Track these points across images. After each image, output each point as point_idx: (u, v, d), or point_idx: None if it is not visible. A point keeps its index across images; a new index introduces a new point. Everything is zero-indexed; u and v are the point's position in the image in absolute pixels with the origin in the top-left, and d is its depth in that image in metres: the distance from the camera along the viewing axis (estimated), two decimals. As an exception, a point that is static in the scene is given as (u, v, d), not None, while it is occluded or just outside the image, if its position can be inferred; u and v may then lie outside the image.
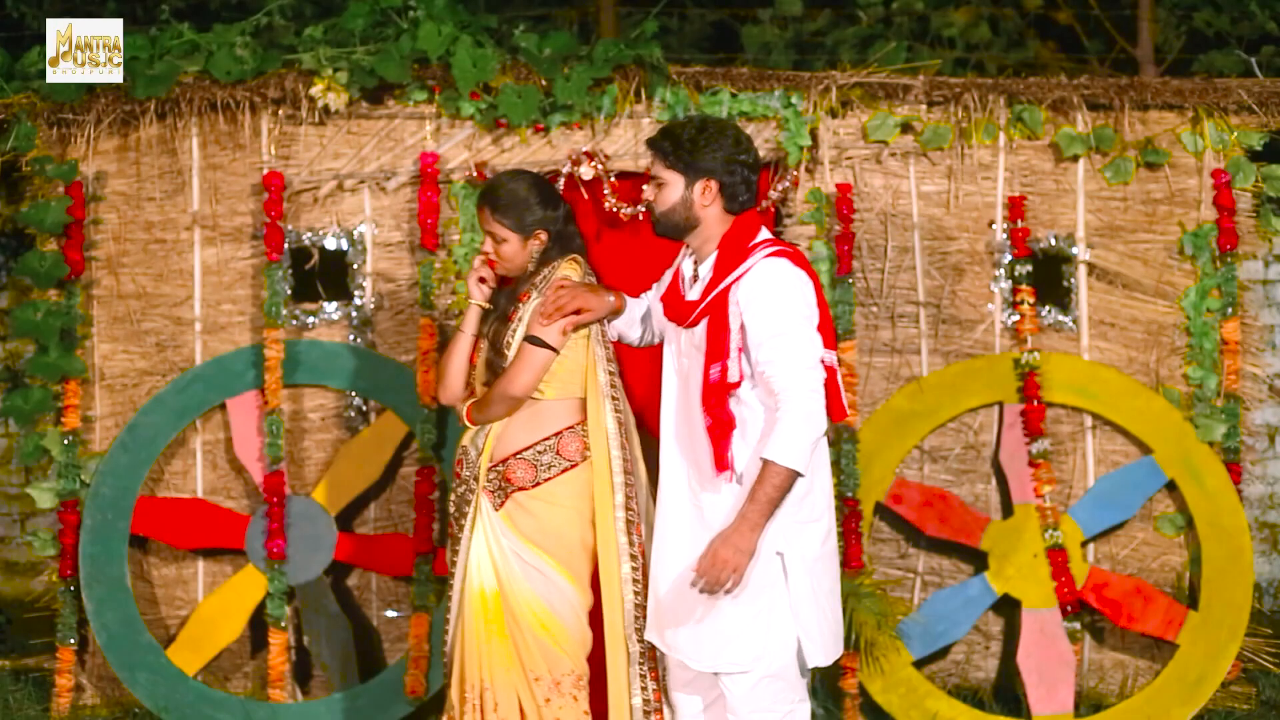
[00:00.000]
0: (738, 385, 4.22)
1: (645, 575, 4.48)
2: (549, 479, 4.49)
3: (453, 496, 4.61)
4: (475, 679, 4.47)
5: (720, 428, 4.21)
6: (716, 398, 4.21)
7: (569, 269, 4.54)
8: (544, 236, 4.56)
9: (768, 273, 4.22)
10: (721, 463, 4.22)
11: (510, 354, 4.49)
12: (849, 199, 5.79)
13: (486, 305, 4.61)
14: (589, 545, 4.52)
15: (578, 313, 4.47)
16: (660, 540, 4.39)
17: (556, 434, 4.51)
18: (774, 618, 4.22)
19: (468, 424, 4.58)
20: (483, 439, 4.54)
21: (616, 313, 4.57)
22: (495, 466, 4.51)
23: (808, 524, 4.24)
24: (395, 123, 5.82)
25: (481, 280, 4.61)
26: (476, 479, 4.52)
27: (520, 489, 4.48)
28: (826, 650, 4.29)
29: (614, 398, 4.52)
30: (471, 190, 5.71)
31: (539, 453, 4.49)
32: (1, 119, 5.73)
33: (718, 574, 4.13)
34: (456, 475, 4.60)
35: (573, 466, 4.50)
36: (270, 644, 5.69)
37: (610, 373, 4.54)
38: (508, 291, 4.61)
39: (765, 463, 4.11)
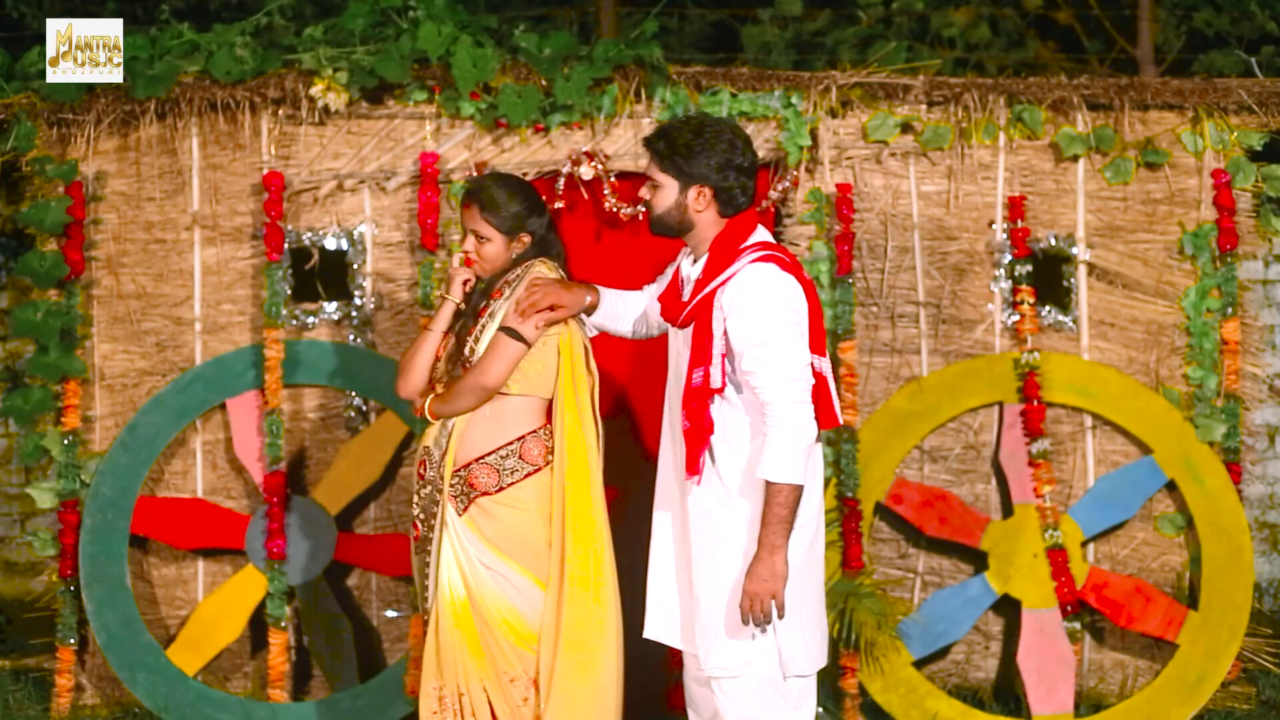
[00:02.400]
0: (720, 391, 4.19)
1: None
2: (513, 483, 4.48)
3: (416, 499, 4.59)
4: (453, 684, 4.48)
5: (697, 432, 4.19)
6: (697, 402, 4.19)
7: (542, 268, 4.53)
8: (527, 240, 4.57)
9: (753, 279, 4.18)
10: (693, 467, 4.20)
11: (479, 348, 4.48)
12: (849, 199, 5.79)
13: (461, 304, 4.60)
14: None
15: (551, 309, 4.44)
16: (654, 538, 4.39)
17: (519, 438, 4.50)
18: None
19: (428, 419, 4.56)
20: (445, 441, 4.51)
21: (591, 308, 4.55)
22: (458, 471, 4.49)
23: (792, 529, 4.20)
24: (395, 123, 5.82)
25: (465, 281, 4.60)
26: (440, 482, 4.51)
27: (484, 494, 4.47)
28: (810, 658, 4.25)
29: (594, 405, 4.55)
30: (471, 190, 5.71)
31: (502, 457, 4.48)
32: (1, 119, 5.73)
33: (758, 609, 4.12)
34: (420, 477, 4.57)
35: (535, 471, 4.50)
36: (270, 644, 5.69)
37: (591, 375, 4.56)
38: (480, 290, 4.60)
39: (766, 484, 4.11)
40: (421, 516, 4.57)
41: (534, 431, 4.52)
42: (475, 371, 4.46)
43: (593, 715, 4.44)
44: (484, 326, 4.50)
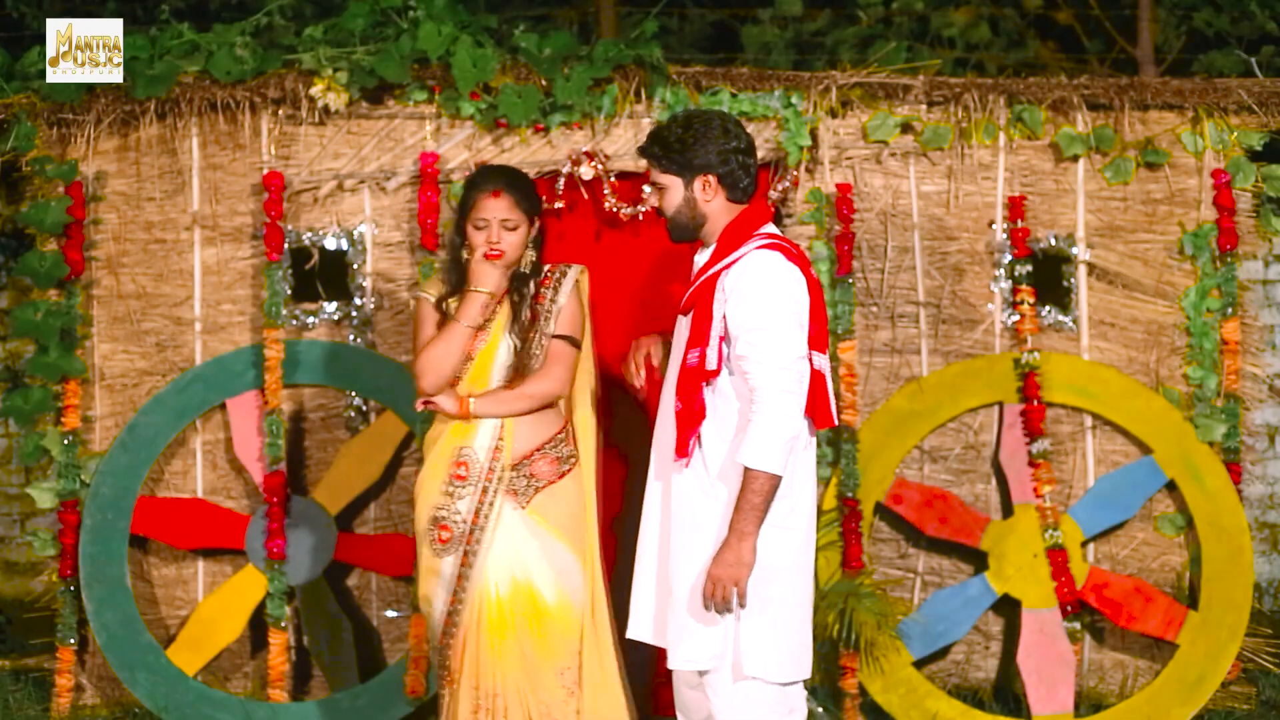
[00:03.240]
0: (715, 374, 4.18)
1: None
2: (569, 469, 4.59)
3: (444, 500, 4.56)
4: (489, 685, 4.48)
5: (688, 414, 4.18)
6: (691, 383, 4.18)
7: (579, 273, 4.69)
8: (537, 224, 4.65)
9: (756, 264, 4.18)
10: (682, 449, 4.19)
11: (539, 355, 4.58)
12: (849, 199, 5.79)
13: (490, 294, 4.59)
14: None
15: (649, 355, 4.59)
16: (641, 533, 4.37)
17: (563, 427, 4.62)
18: (731, 620, 4.16)
19: (459, 417, 4.55)
20: (493, 440, 4.53)
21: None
22: (517, 466, 4.54)
23: (775, 529, 4.17)
24: (395, 123, 5.82)
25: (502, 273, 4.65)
26: (495, 482, 4.52)
27: (549, 483, 4.56)
28: (781, 665, 4.18)
29: (594, 399, 4.72)
30: (471, 190, 5.71)
31: (555, 445, 4.59)
32: (1, 119, 5.73)
33: (720, 594, 4.09)
34: (458, 479, 4.56)
35: (578, 455, 4.65)
36: (270, 644, 5.69)
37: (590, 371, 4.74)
38: (516, 288, 4.61)
39: (744, 470, 4.09)
40: (455, 519, 4.54)
41: (569, 420, 4.68)
42: (546, 381, 4.56)
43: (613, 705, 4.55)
44: (542, 334, 4.59)
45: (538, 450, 4.56)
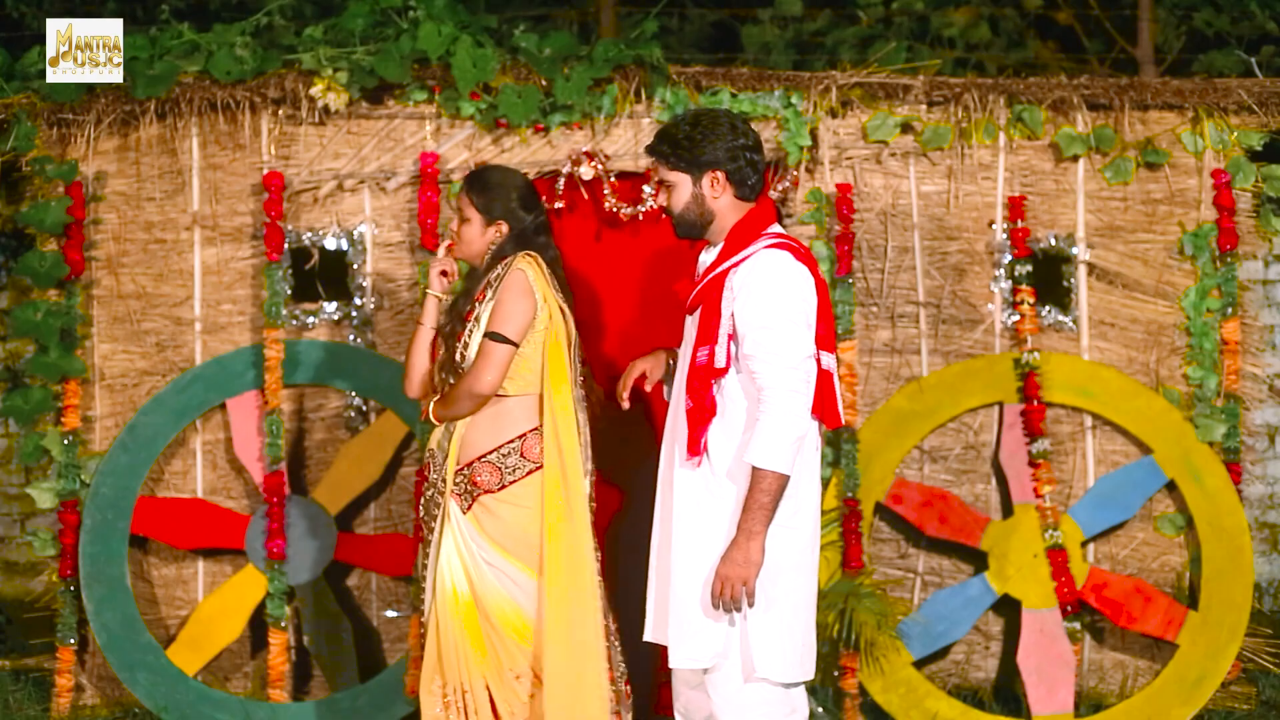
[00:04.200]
0: (723, 372, 4.18)
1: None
2: (514, 481, 4.49)
3: (421, 499, 4.63)
4: (456, 681, 4.48)
5: (699, 412, 4.18)
6: (700, 381, 4.19)
7: (523, 263, 4.52)
8: (504, 229, 4.56)
9: (766, 263, 4.18)
10: (694, 447, 4.19)
11: (469, 354, 4.49)
12: (849, 199, 5.79)
13: (442, 296, 4.61)
14: None
15: (643, 376, 4.52)
16: (654, 536, 4.37)
17: (520, 436, 4.51)
18: (735, 618, 4.16)
19: (432, 421, 4.58)
20: (448, 442, 4.53)
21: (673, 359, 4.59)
22: (462, 470, 4.50)
23: (780, 529, 4.16)
24: (395, 123, 5.82)
25: (443, 273, 4.64)
26: (444, 482, 4.52)
27: (487, 492, 4.48)
28: (788, 665, 4.19)
29: (583, 394, 4.57)
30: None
31: (504, 455, 4.49)
32: (1, 119, 5.74)
33: (728, 594, 4.09)
34: (424, 478, 4.61)
35: (537, 468, 4.50)
36: (270, 644, 5.69)
37: (578, 365, 4.59)
38: (464, 291, 4.61)
39: (752, 469, 4.09)
40: (424, 517, 4.59)
41: (535, 429, 4.52)
42: (468, 378, 4.47)
43: (581, 707, 4.44)
44: (471, 331, 4.51)
45: (481, 458, 4.48)
